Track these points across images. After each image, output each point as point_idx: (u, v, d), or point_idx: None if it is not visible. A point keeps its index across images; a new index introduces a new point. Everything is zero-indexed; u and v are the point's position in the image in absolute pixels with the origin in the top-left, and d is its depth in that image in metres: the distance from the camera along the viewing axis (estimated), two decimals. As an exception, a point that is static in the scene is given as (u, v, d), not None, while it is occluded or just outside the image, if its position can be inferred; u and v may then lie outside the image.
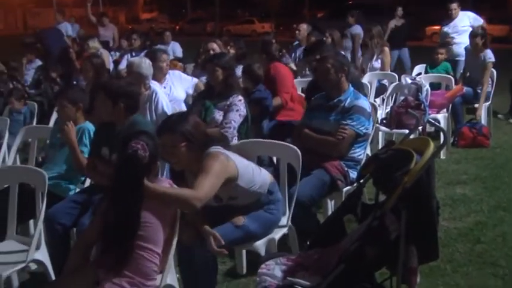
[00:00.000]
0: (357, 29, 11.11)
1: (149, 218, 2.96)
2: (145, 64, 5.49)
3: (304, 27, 9.34)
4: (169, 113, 5.34)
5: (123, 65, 9.14)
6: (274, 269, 3.03)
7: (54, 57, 10.22)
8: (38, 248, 3.56)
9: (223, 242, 3.31)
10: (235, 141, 4.72)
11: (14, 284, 3.71)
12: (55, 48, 10.53)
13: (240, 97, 5.01)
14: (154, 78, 5.78)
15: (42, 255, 3.61)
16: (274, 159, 4.68)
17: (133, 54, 9.73)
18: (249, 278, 4.03)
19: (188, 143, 3.31)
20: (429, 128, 7.14)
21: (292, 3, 39.87)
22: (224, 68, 5.08)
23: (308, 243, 3.42)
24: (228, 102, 4.94)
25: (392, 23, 11.72)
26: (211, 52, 6.90)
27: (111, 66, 10.00)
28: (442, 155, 6.68)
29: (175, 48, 11.36)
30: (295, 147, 3.95)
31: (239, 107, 4.93)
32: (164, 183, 3.12)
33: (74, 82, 8.13)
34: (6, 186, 3.83)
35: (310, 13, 35.46)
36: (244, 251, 4.04)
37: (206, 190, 3.17)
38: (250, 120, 5.11)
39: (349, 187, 4.35)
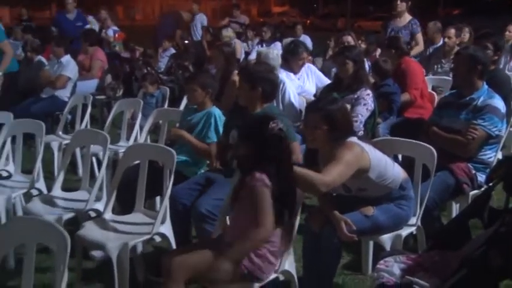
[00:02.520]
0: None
1: None
2: (272, 54, 5.57)
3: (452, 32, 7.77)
4: (296, 104, 5.39)
5: (253, 56, 9.33)
6: (393, 266, 2.97)
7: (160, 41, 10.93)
8: (163, 222, 3.71)
9: (354, 227, 3.31)
10: (360, 135, 4.64)
11: (139, 254, 3.90)
12: (162, 35, 11.23)
13: (369, 91, 4.94)
14: (291, 68, 5.84)
15: (167, 229, 3.76)
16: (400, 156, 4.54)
17: (264, 45, 9.89)
18: (367, 274, 3.99)
19: (329, 128, 3.31)
20: None
21: (428, 0, 38.60)
22: (354, 61, 5.02)
23: (429, 244, 3.32)
24: (356, 96, 4.89)
25: None
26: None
27: (242, 56, 10.25)
28: None
29: (305, 41, 11.37)
30: (432, 148, 3.79)
31: (367, 101, 4.87)
32: None
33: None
34: (137, 162, 4.03)
35: (444, 11, 34.24)
36: (371, 246, 3.99)
37: (334, 177, 3.18)
38: (377, 115, 5.02)
39: (476, 191, 4.16)
